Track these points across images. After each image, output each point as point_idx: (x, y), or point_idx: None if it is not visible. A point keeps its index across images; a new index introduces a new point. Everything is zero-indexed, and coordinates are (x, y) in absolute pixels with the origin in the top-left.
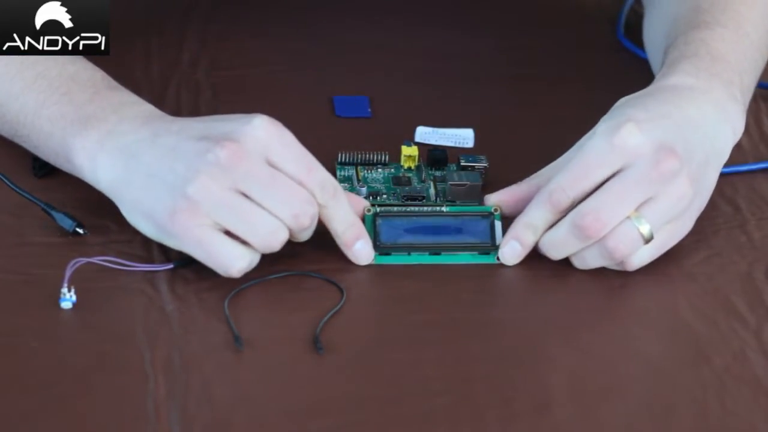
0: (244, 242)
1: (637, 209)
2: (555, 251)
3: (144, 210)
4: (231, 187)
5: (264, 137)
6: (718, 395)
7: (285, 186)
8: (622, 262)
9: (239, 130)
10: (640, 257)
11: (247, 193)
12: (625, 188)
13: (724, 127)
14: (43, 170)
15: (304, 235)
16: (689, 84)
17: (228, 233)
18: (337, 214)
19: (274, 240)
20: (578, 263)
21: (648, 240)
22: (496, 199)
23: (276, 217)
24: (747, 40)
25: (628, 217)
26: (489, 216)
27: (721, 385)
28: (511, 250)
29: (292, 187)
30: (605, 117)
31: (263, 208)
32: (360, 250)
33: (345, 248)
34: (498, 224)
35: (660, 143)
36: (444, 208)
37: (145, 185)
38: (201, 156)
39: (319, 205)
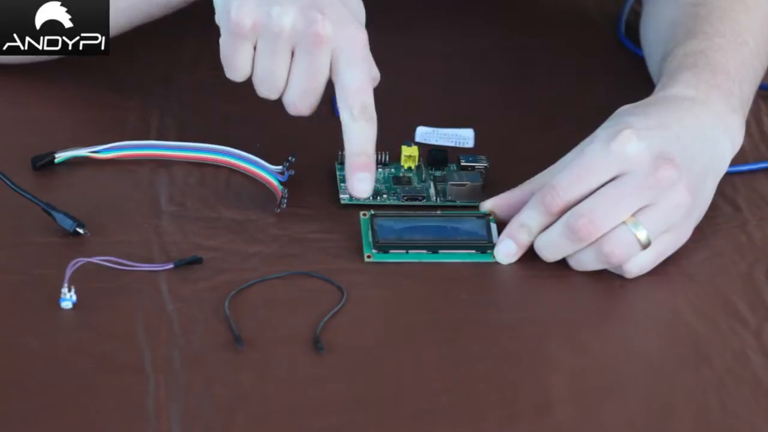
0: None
1: (634, 215)
2: (549, 252)
3: None
4: (295, 43)
5: (352, 42)
6: (718, 395)
7: (315, 77)
8: (620, 268)
9: (345, 20)
10: (637, 264)
11: (294, 59)
12: (622, 193)
13: (723, 139)
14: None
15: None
16: (689, 95)
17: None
18: (360, 136)
19: (267, 94)
20: (575, 266)
21: (645, 246)
22: (490, 205)
23: (287, 84)
24: (746, 49)
25: (625, 223)
26: (484, 217)
27: (721, 385)
28: (506, 249)
29: (318, 82)
30: (604, 123)
31: (289, 73)
32: (362, 180)
33: (349, 172)
34: (493, 226)
35: (658, 152)
36: (438, 212)
37: None
38: (304, 8)
39: (352, 119)
